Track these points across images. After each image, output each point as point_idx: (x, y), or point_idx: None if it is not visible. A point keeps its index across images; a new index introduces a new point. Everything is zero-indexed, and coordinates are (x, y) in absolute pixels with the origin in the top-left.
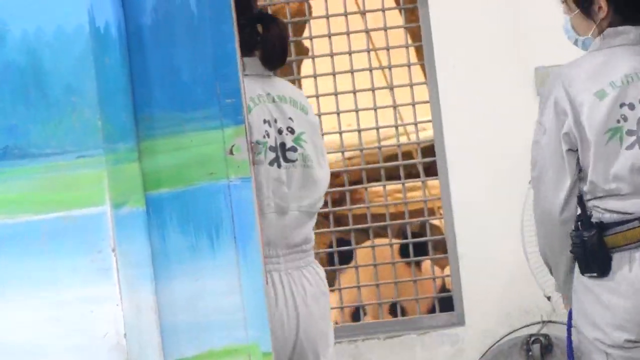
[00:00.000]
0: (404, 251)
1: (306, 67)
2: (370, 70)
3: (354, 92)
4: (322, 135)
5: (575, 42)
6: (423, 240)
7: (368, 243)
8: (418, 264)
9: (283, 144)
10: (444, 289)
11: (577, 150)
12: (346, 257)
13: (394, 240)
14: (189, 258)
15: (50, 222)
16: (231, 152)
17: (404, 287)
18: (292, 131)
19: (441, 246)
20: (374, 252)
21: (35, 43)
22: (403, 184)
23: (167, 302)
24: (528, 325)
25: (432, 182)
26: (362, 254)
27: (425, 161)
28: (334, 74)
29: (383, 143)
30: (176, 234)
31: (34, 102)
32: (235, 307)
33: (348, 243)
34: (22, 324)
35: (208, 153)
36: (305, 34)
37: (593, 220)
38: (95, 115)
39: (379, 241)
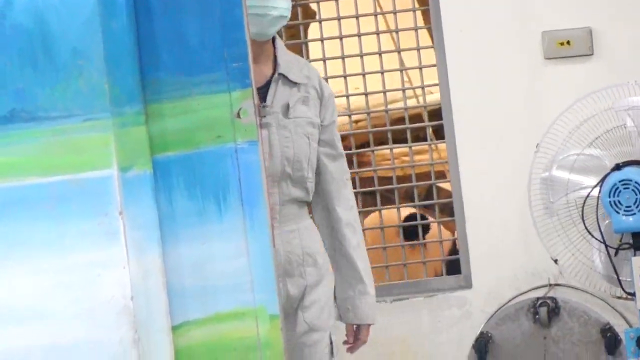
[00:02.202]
0: (410, 217)
1: (313, 30)
2: (378, 33)
3: (361, 55)
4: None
5: None
6: (430, 203)
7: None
8: (425, 228)
9: None
10: (452, 252)
11: None
12: None
13: (401, 204)
14: (196, 221)
15: (57, 185)
16: (238, 116)
17: (409, 254)
18: None
19: (448, 209)
20: (382, 215)
21: (42, 6)
22: (410, 147)
23: (174, 266)
24: (535, 289)
25: (439, 145)
26: (369, 218)
27: (432, 124)
28: (341, 38)
29: (390, 106)
30: (183, 198)
31: (41, 65)
32: (242, 271)
33: None
34: (28, 287)
35: (215, 116)
36: None
37: None
38: (102, 79)
39: (386, 205)
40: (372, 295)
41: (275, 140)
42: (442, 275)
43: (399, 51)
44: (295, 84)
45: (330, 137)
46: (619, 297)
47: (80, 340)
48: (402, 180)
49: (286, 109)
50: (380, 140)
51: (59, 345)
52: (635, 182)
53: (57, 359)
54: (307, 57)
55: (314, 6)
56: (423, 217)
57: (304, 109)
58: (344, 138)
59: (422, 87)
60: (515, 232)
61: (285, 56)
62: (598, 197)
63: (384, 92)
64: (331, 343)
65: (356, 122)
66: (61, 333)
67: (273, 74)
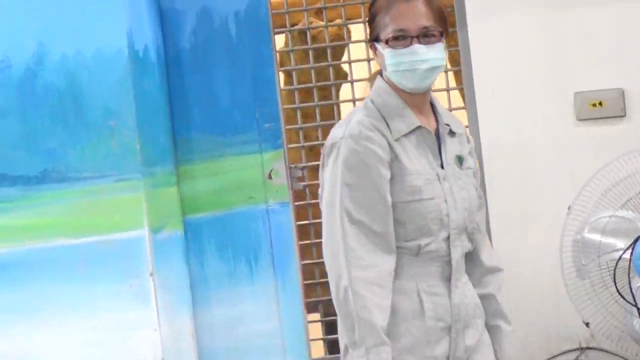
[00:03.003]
0: None
1: (345, 91)
2: None
3: None
4: None
5: None
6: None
7: None
8: None
9: None
10: None
11: None
12: None
13: None
14: (228, 283)
15: (88, 246)
16: (270, 177)
17: None
18: None
19: None
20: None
21: (74, 66)
22: None
23: (206, 327)
24: (566, 352)
25: None
26: None
27: None
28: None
29: None
30: (215, 259)
31: (73, 125)
32: (273, 333)
33: None
34: (61, 348)
35: (247, 177)
36: (344, 58)
37: None
38: (133, 139)
39: None
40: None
41: (456, 192)
42: None
43: None
44: (455, 134)
45: (478, 187)
46: None
47: None
48: None
49: (459, 160)
50: None
51: None
52: None
53: None
54: (339, 118)
55: (345, 67)
56: None
57: (471, 160)
58: None
59: None
60: (547, 294)
61: (440, 106)
62: (630, 259)
63: None
64: None
65: None
66: None
67: (437, 125)
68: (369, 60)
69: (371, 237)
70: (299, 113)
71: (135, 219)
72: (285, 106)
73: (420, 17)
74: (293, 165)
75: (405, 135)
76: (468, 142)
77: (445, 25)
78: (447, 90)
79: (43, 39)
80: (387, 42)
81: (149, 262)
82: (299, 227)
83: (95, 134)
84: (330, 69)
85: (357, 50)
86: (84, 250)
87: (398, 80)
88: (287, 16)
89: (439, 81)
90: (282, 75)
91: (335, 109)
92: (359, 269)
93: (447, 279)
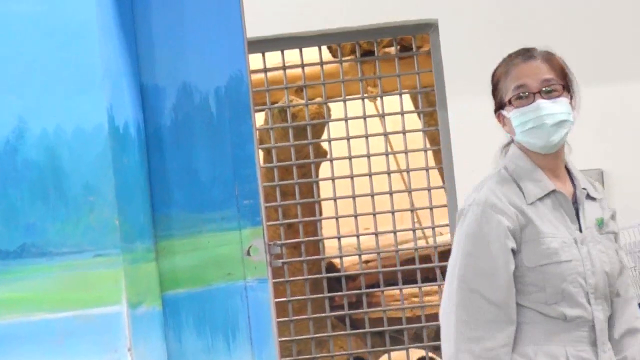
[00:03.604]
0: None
1: (324, 169)
2: (389, 173)
3: (372, 195)
4: (341, 237)
5: None
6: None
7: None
8: None
9: None
10: None
11: None
12: None
13: (410, 345)
14: (205, 359)
15: (67, 320)
16: (248, 253)
17: None
18: None
19: None
20: (390, 357)
21: (54, 141)
22: (420, 287)
23: None
24: None
25: None
26: None
27: (442, 265)
28: (352, 177)
29: (400, 246)
30: (192, 335)
31: (52, 200)
32: None
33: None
34: None
35: (225, 254)
36: (324, 136)
37: None
38: (113, 215)
39: (395, 345)
40: None
41: (595, 256)
42: None
43: (409, 191)
44: (595, 199)
45: (619, 250)
46: None
47: None
48: (411, 321)
49: (599, 223)
50: (390, 281)
51: None
52: None
53: None
54: (318, 196)
55: (325, 145)
56: (433, 357)
57: (612, 224)
58: (354, 278)
59: (433, 228)
60: None
61: (576, 170)
62: None
63: (395, 232)
64: None
65: (366, 262)
66: None
67: (574, 189)
68: (348, 138)
69: (486, 308)
70: (278, 190)
71: (114, 294)
72: (264, 184)
73: (540, 72)
74: (272, 243)
75: (540, 199)
76: (608, 207)
77: (567, 80)
78: (427, 169)
79: (23, 114)
80: (510, 102)
81: (127, 337)
82: (277, 304)
83: (74, 210)
84: (310, 147)
85: (337, 128)
86: (62, 325)
87: (527, 140)
88: (267, 94)
89: (419, 160)
90: (261, 153)
91: (314, 187)
92: (467, 342)
93: (594, 344)
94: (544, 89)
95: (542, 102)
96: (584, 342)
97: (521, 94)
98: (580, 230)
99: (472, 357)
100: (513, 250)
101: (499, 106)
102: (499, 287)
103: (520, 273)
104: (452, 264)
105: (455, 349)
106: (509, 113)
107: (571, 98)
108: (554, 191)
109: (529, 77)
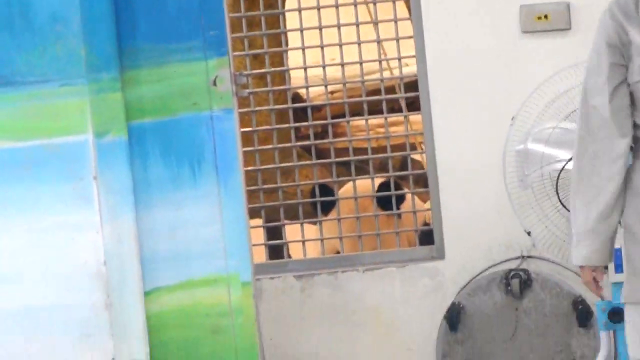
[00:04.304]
0: (384, 186)
1: (291, 1)
2: (355, 4)
3: (338, 26)
4: (307, 68)
5: None
6: (405, 174)
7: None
8: (398, 201)
9: None
10: (426, 223)
11: None
12: (328, 194)
13: (376, 174)
14: (171, 188)
15: (32, 149)
16: (214, 84)
17: (384, 224)
18: None
19: (422, 181)
20: (355, 185)
21: None
22: (385, 118)
23: (148, 231)
24: (508, 260)
25: (415, 117)
26: (343, 189)
27: (408, 96)
28: (318, 8)
29: (366, 78)
30: (158, 164)
31: (18, 30)
32: (215, 237)
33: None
34: (3, 249)
35: (191, 84)
36: None
37: None
38: (79, 45)
39: (360, 175)
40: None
41: None
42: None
43: (376, 22)
44: None
45: None
46: None
47: (53, 304)
48: (376, 151)
49: None
50: (356, 112)
51: (31, 307)
52: None
53: (29, 321)
54: (284, 27)
55: None
56: (397, 186)
57: None
58: (319, 109)
59: (399, 59)
60: (489, 204)
61: None
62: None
63: (361, 64)
64: None
65: (332, 92)
66: (33, 296)
67: None
68: None
69: (601, 122)
70: (244, 21)
71: (80, 123)
72: (230, 14)
73: None
74: (238, 73)
75: None
76: None
77: None
78: (393, 1)
79: None
80: None
81: (93, 166)
82: (243, 134)
83: (40, 39)
84: None
85: None
86: (29, 154)
87: None
88: None
89: None
90: None
91: (281, 18)
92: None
93: None
94: None
95: None
96: None
97: None
98: None
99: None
100: (621, 64)
101: None
102: (606, 98)
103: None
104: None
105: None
106: None
107: None
108: None
109: None
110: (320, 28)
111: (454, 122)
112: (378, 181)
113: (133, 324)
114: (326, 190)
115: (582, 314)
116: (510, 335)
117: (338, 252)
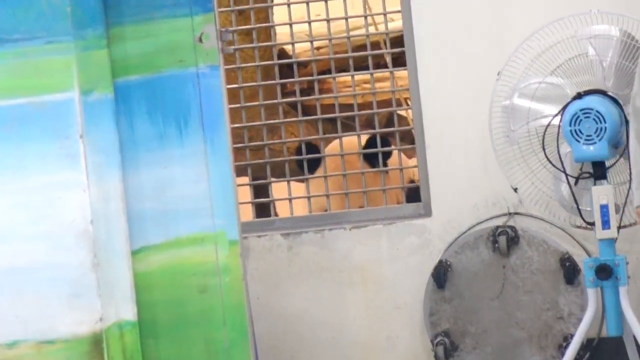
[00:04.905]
0: (371, 142)
1: None
2: None
3: None
4: (292, 24)
5: None
6: (391, 131)
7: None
8: (384, 157)
9: None
10: (411, 182)
11: None
12: (314, 151)
13: (362, 131)
14: (157, 146)
15: (18, 107)
16: (200, 40)
17: (371, 181)
18: None
19: (409, 138)
20: (341, 142)
21: None
22: (371, 74)
23: (135, 190)
24: (495, 217)
25: (400, 73)
26: (330, 146)
27: (393, 52)
28: None
29: (352, 33)
30: (144, 122)
31: None
32: (202, 195)
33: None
34: None
35: (177, 40)
36: None
37: None
38: (64, 1)
39: (346, 132)
40: None
41: None
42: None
43: None
44: None
45: None
46: (579, 227)
47: (40, 263)
48: (362, 107)
49: None
50: (342, 68)
51: (18, 266)
52: (597, 111)
53: (16, 280)
54: None
55: None
56: (386, 141)
57: None
58: (305, 65)
59: (384, 14)
60: (476, 160)
61: None
62: (559, 125)
63: (346, 19)
64: None
65: (318, 48)
66: (20, 255)
67: None
68: None
69: None
70: None
71: (66, 80)
72: None
73: None
74: (223, 29)
75: None
76: None
77: None
78: None
79: None
80: None
81: (79, 123)
82: (229, 91)
83: None
84: None
85: None
86: (14, 111)
87: None
88: None
89: None
90: None
91: None
92: None
93: None
94: None
95: None
96: None
97: None
98: None
99: None
100: None
101: None
102: None
103: None
104: None
105: None
106: None
107: None
108: None
109: None
110: None
111: (440, 78)
112: (364, 138)
113: (120, 284)
114: (312, 148)
115: (570, 271)
116: (497, 292)
117: (326, 210)
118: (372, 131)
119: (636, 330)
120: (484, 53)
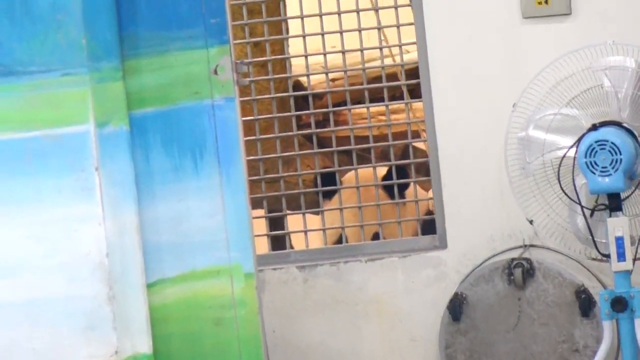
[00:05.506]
0: (387, 174)
1: None
2: None
3: (339, 13)
4: (308, 56)
5: None
6: (406, 163)
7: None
8: (401, 187)
9: None
10: (428, 212)
11: None
12: (330, 181)
13: (377, 163)
14: (173, 178)
15: (34, 140)
16: (215, 72)
17: (387, 211)
18: None
19: (424, 169)
20: (357, 174)
21: None
22: (387, 105)
23: (150, 222)
24: (510, 249)
25: (416, 105)
26: (345, 177)
27: (409, 83)
28: None
29: (367, 65)
30: (160, 154)
31: (19, 18)
32: (218, 228)
33: (332, 173)
34: (4, 242)
35: (192, 72)
36: None
37: None
38: (80, 33)
39: (362, 164)
40: None
41: None
42: (417, 235)
43: (376, 9)
44: None
45: None
46: (594, 259)
47: (55, 296)
48: (378, 139)
49: None
50: (357, 99)
51: (34, 299)
52: (612, 143)
53: (32, 314)
54: (285, 15)
55: None
56: (404, 172)
57: None
58: (320, 97)
59: (400, 46)
60: (491, 192)
61: None
62: (574, 157)
63: (362, 51)
64: None
65: (333, 80)
66: (36, 288)
67: None
68: None
69: None
70: (245, 8)
71: (81, 113)
72: (231, 2)
73: None
74: (239, 61)
75: None
76: None
77: None
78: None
79: None
80: None
81: (94, 156)
82: (244, 123)
83: (41, 28)
84: None
85: None
86: (30, 144)
87: None
88: None
89: None
90: None
91: (281, 4)
92: None
93: None
94: None
95: None
96: None
97: None
98: None
99: None
100: None
101: None
102: None
103: None
104: None
105: None
106: None
107: None
108: None
109: None
110: (320, 15)
111: (456, 109)
112: (380, 169)
113: (136, 316)
114: (328, 179)
115: (585, 304)
116: (513, 325)
117: (341, 237)
118: (387, 163)
119: None
120: (499, 84)
